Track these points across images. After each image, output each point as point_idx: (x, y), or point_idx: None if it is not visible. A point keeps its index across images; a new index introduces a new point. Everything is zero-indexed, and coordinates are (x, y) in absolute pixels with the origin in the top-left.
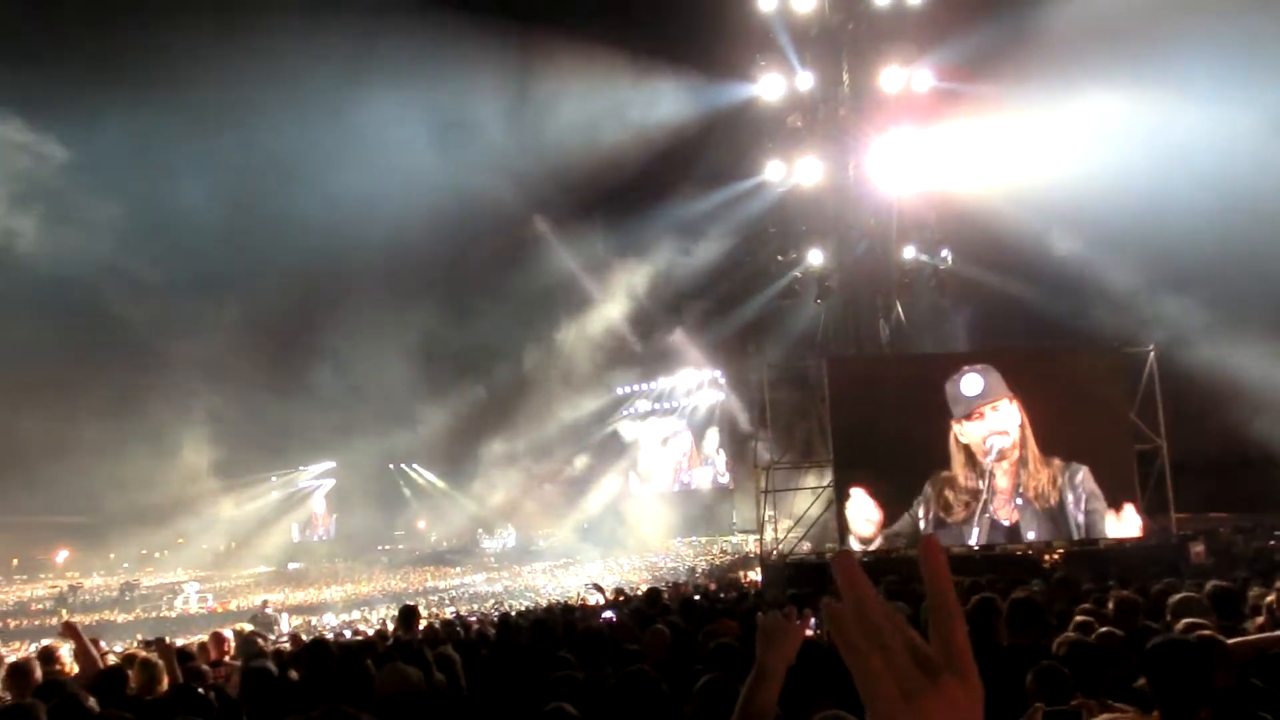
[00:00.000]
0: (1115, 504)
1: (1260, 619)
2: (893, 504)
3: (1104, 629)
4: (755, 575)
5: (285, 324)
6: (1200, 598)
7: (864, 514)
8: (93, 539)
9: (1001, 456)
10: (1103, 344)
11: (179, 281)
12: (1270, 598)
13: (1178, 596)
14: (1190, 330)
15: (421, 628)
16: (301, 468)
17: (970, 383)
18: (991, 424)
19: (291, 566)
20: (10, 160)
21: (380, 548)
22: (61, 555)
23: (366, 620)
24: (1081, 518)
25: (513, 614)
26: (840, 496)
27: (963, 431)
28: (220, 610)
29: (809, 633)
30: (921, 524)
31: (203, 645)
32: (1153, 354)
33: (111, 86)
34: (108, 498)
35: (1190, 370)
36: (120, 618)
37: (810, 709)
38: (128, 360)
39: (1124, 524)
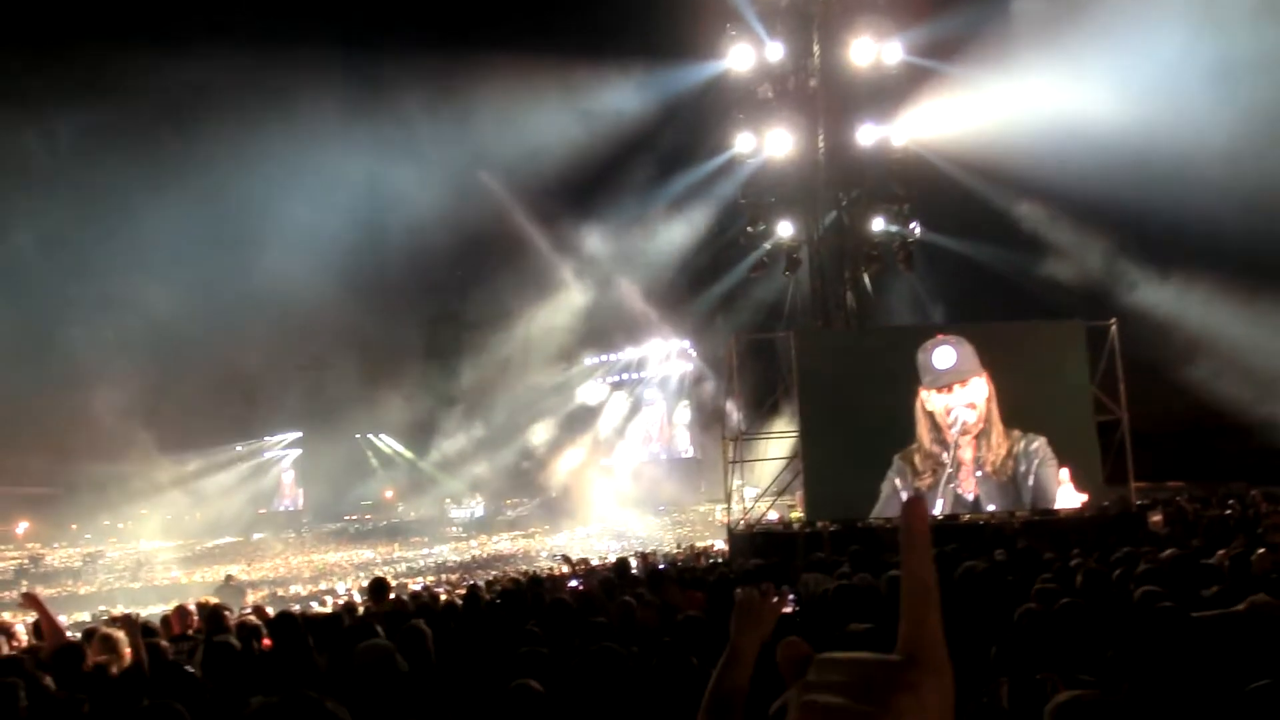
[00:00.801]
0: (1073, 473)
1: (1214, 588)
2: (859, 475)
3: (1066, 600)
4: (721, 545)
5: (249, 294)
6: (1160, 567)
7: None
8: (54, 510)
9: (965, 431)
10: (1065, 317)
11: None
12: (1223, 559)
13: (1142, 567)
14: (1152, 300)
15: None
16: (268, 438)
17: (942, 355)
18: (959, 398)
19: (256, 537)
20: None
21: (347, 518)
22: (21, 527)
23: (333, 593)
24: (1031, 481)
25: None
26: (807, 467)
27: (929, 399)
28: (185, 581)
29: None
30: (903, 495)
31: (166, 619)
32: (1114, 327)
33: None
34: (69, 469)
35: (1151, 339)
36: (83, 589)
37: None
38: (85, 332)
39: (1072, 493)
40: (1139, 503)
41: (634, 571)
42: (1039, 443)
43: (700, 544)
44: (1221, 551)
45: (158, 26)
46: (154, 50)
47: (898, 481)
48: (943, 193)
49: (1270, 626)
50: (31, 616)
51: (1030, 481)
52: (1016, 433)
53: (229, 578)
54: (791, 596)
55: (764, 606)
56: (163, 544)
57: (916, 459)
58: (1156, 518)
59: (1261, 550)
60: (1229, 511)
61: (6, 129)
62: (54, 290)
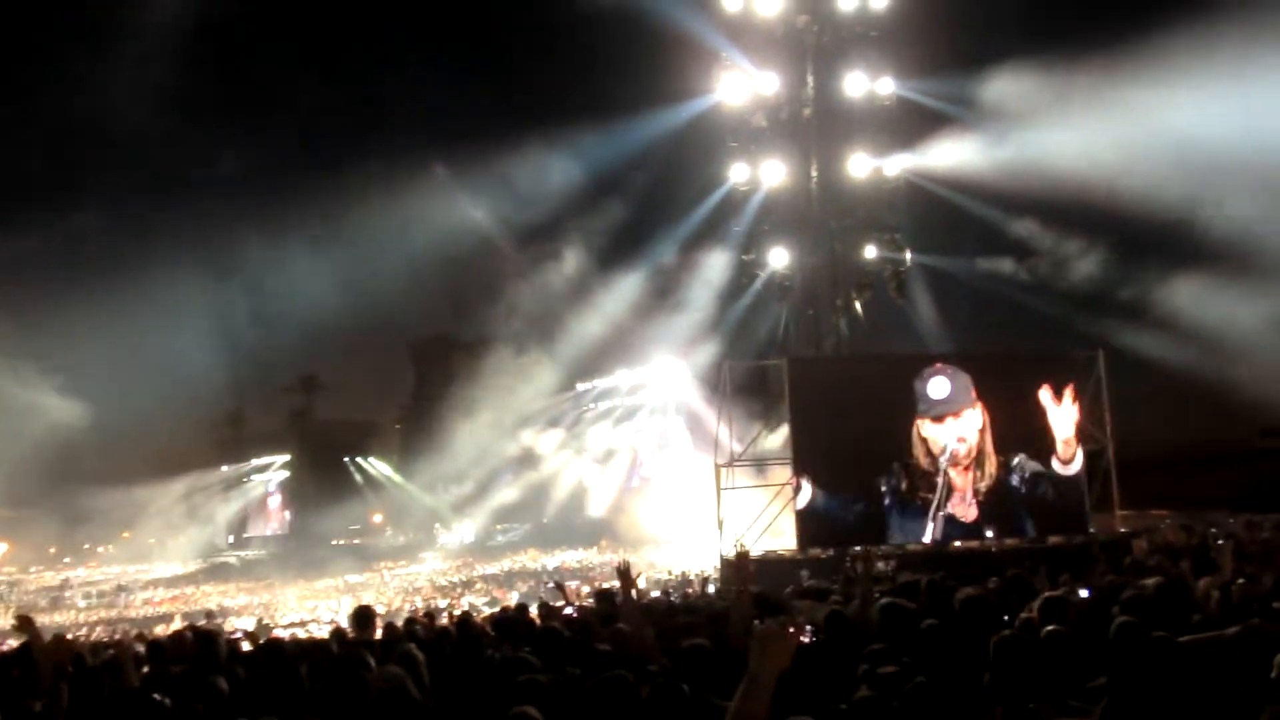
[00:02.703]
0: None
1: (1197, 616)
2: (849, 503)
3: (1051, 627)
4: (709, 571)
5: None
6: (1147, 594)
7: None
8: (31, 533)
9: (955, 462)
10: (1054, 347)
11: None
12: (1209, 589)
13: (1128, 594)
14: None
15: (382, 627)
16: (255, 460)
17: (937, 386)
18: (951, 430)
19: (242, 560)
20: None
21: (335, 542)
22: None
23: (318, 621)
24: (1024, 490)
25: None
26: (799, 494)
27: (923, 427)
28: (167, 609)
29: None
30: (885, 500)
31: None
32: (1101, 357)
33: None
34: (48, 491)
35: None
36: (56, 618)
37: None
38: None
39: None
40: (1124, 530)
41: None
42: (1020, 458)
43: (693, 573)
44: (1204, 580)
45: None
46: None
47: (883, 486)
48: (938, 219)
49: (1263, 650)
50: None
51: (1024, 490)
52: (1002, 458)
53: (209, 614)
54: (809, 628)
55: (783, 637)
56: (143, 568)
57: (916, 478)
58: (1142, 544)
59: (1241, 580)
60: (1219, 540)
61: None
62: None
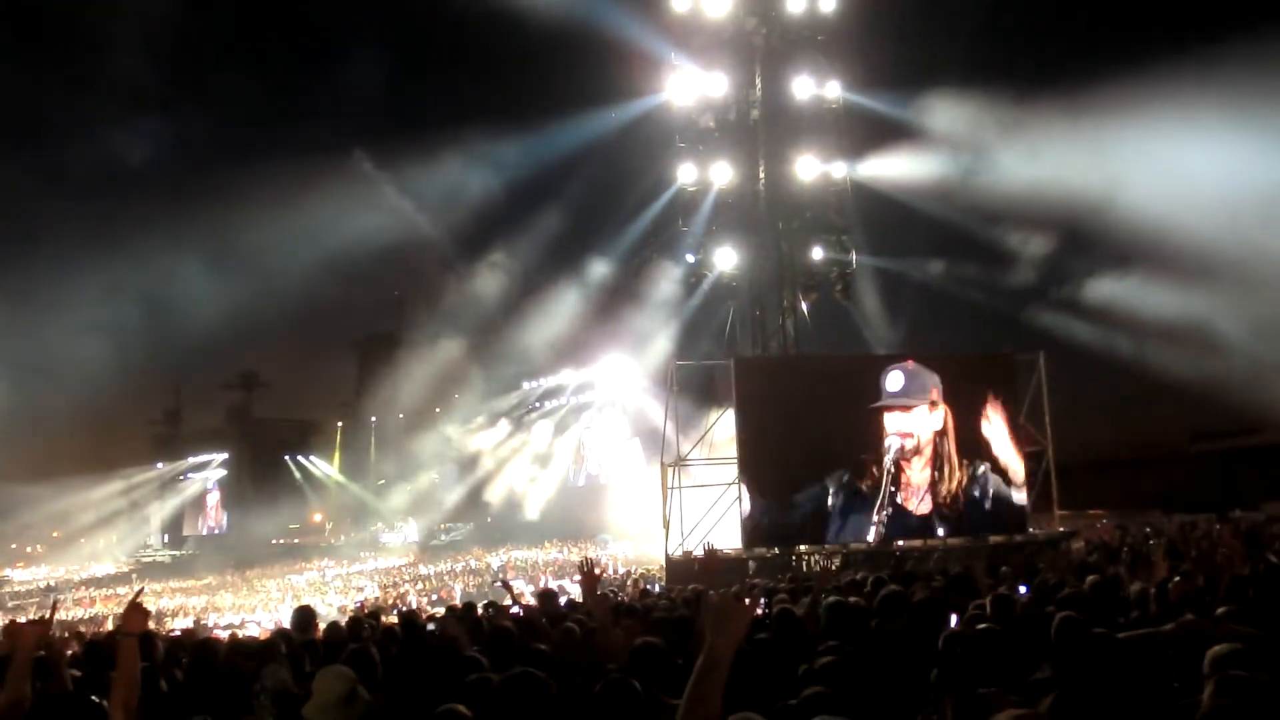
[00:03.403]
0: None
1: (1135, 613)
2: (796, 503)
3: (983, 625)
4: (654, 570)
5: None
6: (1084, 592)
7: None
8: None
9: (902, 454)
10: (995, 349)
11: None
12: (1137, 588)
13: (1065, 592)
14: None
15: (324, 627)
16: (192, 459)
17: (893, 379)
18: (898, 424)
19: (177, 559)
20: None
21: (274, 541)
22: None
23: (258, 624)
24: (989, 504)
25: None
26: (744, 493)
27: (883, 422)
28: (102, 610)
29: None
30: (830, 499)
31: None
32: (1041, 359)
33: None
34: None
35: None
36: None
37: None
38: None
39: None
40: (1061, 530)
41: (562, 602)
42: (985, 467)
43: (640, 569)
44: (1139, 578)
45: None
46: None
47: (831, 485)
48: (884, 220)
49: (1198, 646)
50: None
51: (989, 505)
52: (966, 462)
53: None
54: (763, 599)
55: (737, 610)
56: (74, 568)
57: (865, 471)
58: (1078, 544)
59: (1177, 578)
60: (1148, 540)
61: None
62: None
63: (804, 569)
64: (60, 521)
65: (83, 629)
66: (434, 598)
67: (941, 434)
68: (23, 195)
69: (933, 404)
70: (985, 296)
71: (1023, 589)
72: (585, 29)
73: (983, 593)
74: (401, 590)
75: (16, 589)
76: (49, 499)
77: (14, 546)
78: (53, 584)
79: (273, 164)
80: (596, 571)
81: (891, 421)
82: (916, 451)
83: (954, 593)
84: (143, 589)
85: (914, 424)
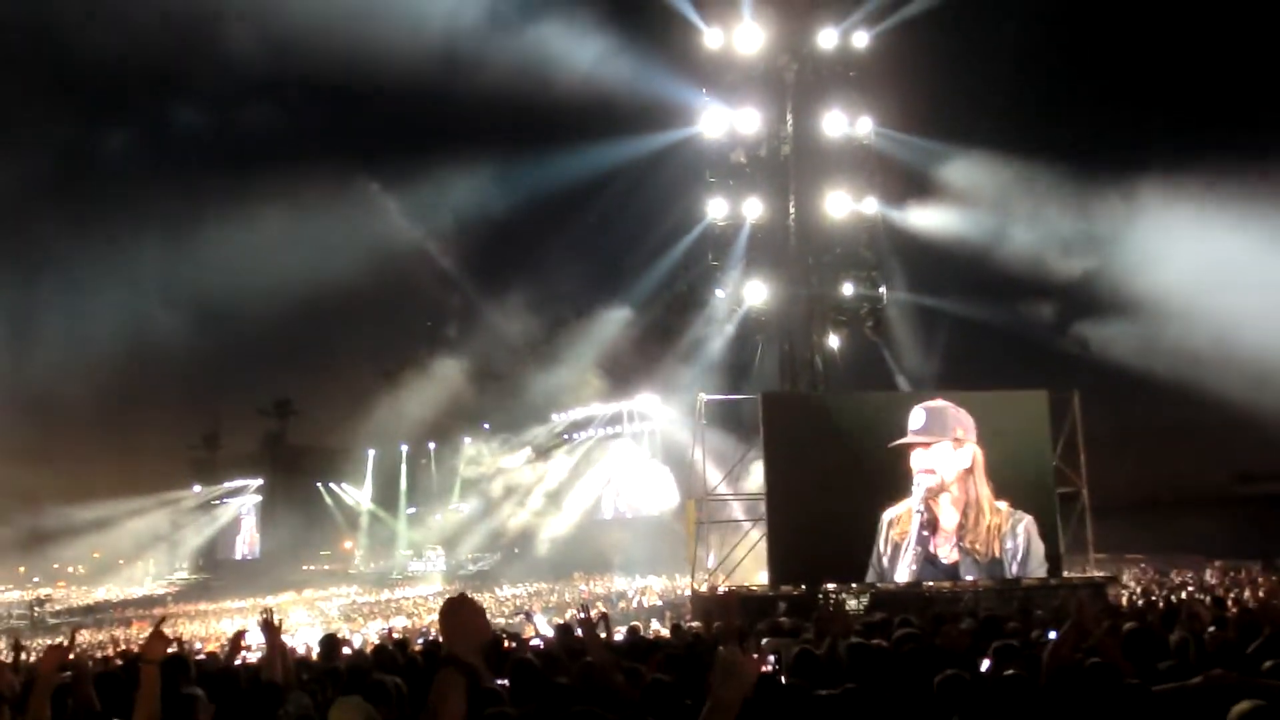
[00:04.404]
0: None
1: (1168, 663)
2: (824, 540)
3: (1010, 671)
4: (682, 605)
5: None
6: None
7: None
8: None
9: (929, 494)
10: (1029, 387)
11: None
12: (1177, 637)
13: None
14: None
15: (349, 654)
16: (228, 483)
17: (915, 416)
18: (919, 461)
19: (212, 583)
20: None
21: (306, 567)
22: None
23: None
24: (1015, 568)
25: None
26: (772, 530)
27: (909, 460)
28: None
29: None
30: (859, 537)
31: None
32: (1076, 398)
33: None
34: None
35: (1113, 413)
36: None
37: None
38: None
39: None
40: (1099, 574)
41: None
42: (1026, 521)
43: (664, 608)
44: (1177, 635)
45: None
46: None
47: (860, 524)
48: (916, 256)
49: (1224, 700)
50: None
51: (1015, 569)
52: (1005, 509)
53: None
54: (771, 656)
55: (745, 663)
56: (112, 588)
57: (899, 508)
58: (1114, 590)
59: (1212, 629)
60: (1189, 589)
61: None
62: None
63: (830, 607)
64: (100, 543)
65: (109, 652)
66: None
67: (969, 473)
68: (71, 223)
69: (957, 440)
70: (1019, 330)
71: (1052, 634)
72: (618, 69)
73: (1013, 637)
74: (430, 620)
75: (57, 608)
76: (90, 520)
77: (55, 567)
78: (93, 605)
79: (313, 197)
80: (593, 613)
81: (915, 459)
82: (942, 489)
83: (984, 637)
84: (164, 618)
85: (936, 461)
